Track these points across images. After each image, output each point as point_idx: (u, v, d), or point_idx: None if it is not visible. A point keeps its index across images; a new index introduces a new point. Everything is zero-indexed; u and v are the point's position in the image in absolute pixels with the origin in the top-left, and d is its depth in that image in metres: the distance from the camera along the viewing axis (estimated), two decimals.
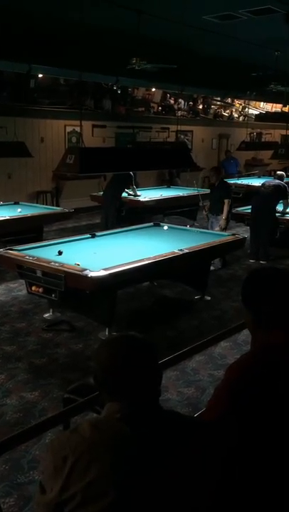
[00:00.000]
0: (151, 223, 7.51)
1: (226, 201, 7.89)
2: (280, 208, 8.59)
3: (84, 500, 1.23)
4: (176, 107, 15.95)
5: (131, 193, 10.19)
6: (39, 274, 4.98)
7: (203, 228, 7.94)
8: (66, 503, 1.25)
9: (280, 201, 8.52)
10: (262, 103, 19.59)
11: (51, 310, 5.89)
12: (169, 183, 13.66)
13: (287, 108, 18.28)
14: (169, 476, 1.26)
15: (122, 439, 1.28)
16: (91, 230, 7.62)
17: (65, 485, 1.25)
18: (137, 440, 1.28)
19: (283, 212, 8.56)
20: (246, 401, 1.56)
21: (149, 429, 1.31)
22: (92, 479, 1.23)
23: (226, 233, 7.02)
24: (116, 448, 1.27)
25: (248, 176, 15.41)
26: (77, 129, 12.31)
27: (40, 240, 7.33)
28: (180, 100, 16.06)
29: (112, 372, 1.37)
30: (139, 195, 10.13)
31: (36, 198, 12.26)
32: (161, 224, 7.46)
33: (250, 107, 18.91)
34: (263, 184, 8.77)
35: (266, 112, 19.95)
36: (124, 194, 9.90)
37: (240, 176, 14.78)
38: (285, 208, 8.56)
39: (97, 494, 1.22)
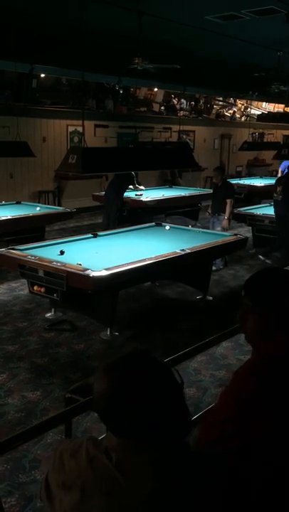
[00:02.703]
0: (153, 223, 7.51)
1: (229, 201, 7.89)
2: None
3: None
4: (178, 106, 15.95)
5: (139, 193, 10.21)
6: (41, 273, 4.98)
7: (204, 228, 7.94)
8: None
9: None
10: (264, 103, 19.59)
11: (53, 310, 5.89)
12: (170, 183, 13.66)
13: None
14: None
15: (115, 489, 1.15)
16: (93, 230, 7.63)
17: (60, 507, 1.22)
18: (133, 492, 1.14)
19: None
20: (254, 404, 1.55)
21: (149, 476, 1.14)
22: None
23: (228, 233, 7.01)
24: (110, 497, 1.16)
25: None
26: (79, 128, 12.32)
27: (42, 239, 7.34)
28: (182, 100, 16.06)
29: (107, 403, 1.18)
30: (143, 190, 10.17)
31: (38, 197, 12.28)
32: (163, 224, 7.46)
33: (252, 107, 18.90)
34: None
35: (268, 112, 19.94)
36: (128, 194, 9.93)
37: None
38: None
39: None
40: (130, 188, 10.06)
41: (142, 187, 10.35)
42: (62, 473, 1.23)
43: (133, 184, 9.95)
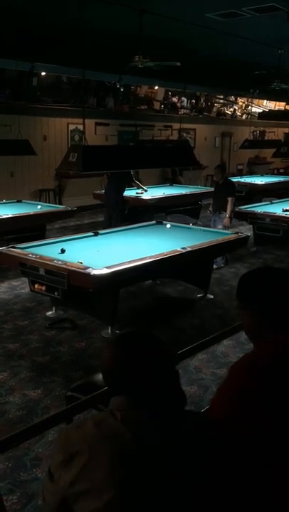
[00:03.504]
0: (154, 221, 7.51)
1: (230, 199, 7.89)
2: None
3: (86, 496, 1.26)
4: (178, 105, 15.93)
5: (139, 191, 10.20)
6: (42, 272, 4.98)
7: (205, 226, 7.94)
8: (71, 497, 1.29)
9: None
10: (265, 101, 19.56)
11: (54, 308, 5.89)
12: (171, 182, 13.65)
13: None
14: (176, 473, 1.27)
15: (121, 442, 1.28)
16: (94, 228, 7.63)
17: (72, 481, 1.29)
18: (137, 443, 1.28)
19: None
20: (249, 400, 1.56)
21: (152, 429, 1.29)
22: (93, 479, 1.26)
23: (229, 231, 7.01)
24: (115, 451, 1.27)
25: None
26: (80, 127, 12.30)
27: (43, 238, 7.34)
28: (183, 98, 16.04)
29: (114, 366, 1.39)
30: (146, 190, 10.17)
31: (39, 196, 12.28)
32: (164, 222, 7.45)
33: (253, 105, 18.87)
34: None
35: (269, 110, 19.92)
36: (130, 193, 9.92)
37: None
38: None
39: (98, 492, 1.24)
40: (134, 186, 10.03)
41: (141, 185, 10.33)
42: (66, 448, 1.32)
43: (132, 181, 9.90)
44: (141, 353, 1.39)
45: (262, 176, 14.47)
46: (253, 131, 17.98)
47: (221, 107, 18.38)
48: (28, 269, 5.18)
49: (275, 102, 19.65)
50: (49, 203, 11.46)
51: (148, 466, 1.26)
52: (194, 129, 16.47)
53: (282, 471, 1.54)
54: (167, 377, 1.40)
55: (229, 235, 6.64)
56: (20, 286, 6.81)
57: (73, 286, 4.73)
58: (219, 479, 1.34)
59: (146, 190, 10.34)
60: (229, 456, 1.40)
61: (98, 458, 1.27)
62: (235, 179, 11.48)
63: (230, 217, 7.92)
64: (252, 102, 18.78)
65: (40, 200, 11.41)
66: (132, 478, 1.25)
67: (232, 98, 18.40)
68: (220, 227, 7.74)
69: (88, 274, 4.57)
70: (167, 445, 1.29)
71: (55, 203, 11.83)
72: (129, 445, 1.27)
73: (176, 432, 1.32)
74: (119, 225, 8.02)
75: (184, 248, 5.60)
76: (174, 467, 1.28)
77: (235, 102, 18.81)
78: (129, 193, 10.23)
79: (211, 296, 6.58)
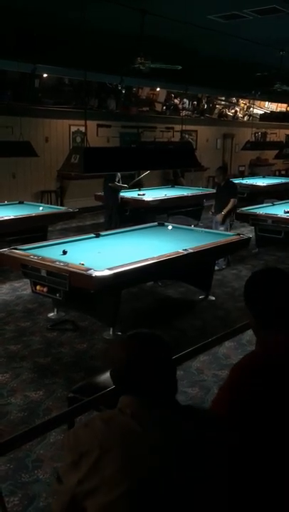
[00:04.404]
0: (156, 223, 7.51)
1: (232, 201, 7.90)
2: None
3: (97, 491, 1.29)
4: (180, 106, 15.94)
5: (141, 193, 10.17)
6: (44, 273, 4.99)
7: (207, 228, 7.94)
8: (81, 495, 1.32)
9: None
10: (266, 103, 19.56)
11: (55, 309, 5.90)
12: (173, 183, 13.66)
13: None
14: (180, 473, 1.30)
15: (131, 437, 1.32)
16: (95, 230, 7.63)
17: (81, 479, 1.31)
18: (147, 438, 1.32)
19: None
20: (249, 400, 1.56)
21: (160, 427, 1.34)
22: (104, 474, 1.28)
23: (231, 233, 7.00)
24: (126, 446, 1.31)
25: None
26: (82, 128, 12.28)
27: (45, 239, 7.35)
28: (184, 100, 16.05)
29: (125, 367, 1.43)
30: (127, 187, 10.07)
31: (41, 197, 12.29)
32: (166, 224, 7.45)
33: (254, 106, 18.87)
34: None
35: (271, 111, 19.92)
36: (131, 194, 9.89)
37: None
38: None
39: (110, 486, 1.28)
40: (122, 187, 9.85)
41: (121, 184, 10.05)
42: (74, 449, 1.35)
43: (115, 182, 9.69)
44: (148, 353, 1.44)
45: (264, 177, 14.45)
46: (255, 133, 17.98)
47: (223, 108, 18.38)
48: (29, 270, 5.18)
49: (276, 104, 19.64)
50: (51, 204, 11.46)
51: (155, 463, 1.30)
52: (196, 131, 16.47)
53: (283, 471, 1.54)
54: (171, 375, 1.45)
55: (231, 236, 6.63)
56: (22, 287, 6.82)
57: (75, 287, 4.73)
58: (220, 478, 1.37)
59: (143, 194, 10.29)
60: (230, 456, 1.43)
61: (109, 454, 1.29)
62: (237, 181, 11.46)
63: (225, 215, 7.92)
64: (253, 104, 18.79)
65: (41, 202, 11.43)
66: (143, 472, 1.28)
67: (234, 99, 18.40)
68: (222, 228, 7.74)
69: (90, 276, 4.57)
70: (171, 445, 1.33)
71: (57, 205, 11.84)
72: (140, 440, 1.31)
73: (179, 431, 1.36)
74: (120, 226, 8.02)
75: (185, 250, 5.60)
76: (178, 466, 1.31)
77: (237, 104, 18.81)
78: (131, 194, 10.24)
79: (213, 298, 6.58)
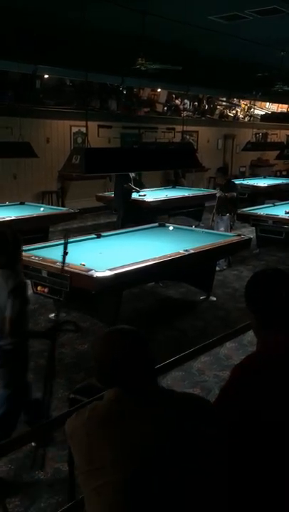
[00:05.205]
0: (157, 224, 7.51)
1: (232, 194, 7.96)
2: None
3: (92, 473, 1.39)
4: (181, 107, 15.94)
5: (142, 193, 10.20)
6: (44, 274, 4.98)
7: (208, 229, 7.93)
8: (80, 477, 1.45)
9: None
10: (267, 103, 19.56)
11: (57, 310, 5.88)
12: (174, 184, 13.67)
13: None
14: (168, 458, 1.37)
15: (117, 423, 1.40)
16: (96, 231, 7.63)
17: (82, 462, 1.43)
18: (133, 424, 1.39)
19: None
20: (249, 400, 1.56)
21: (143, 406, 1.42)
22: (96, 455, 1.39)
23: (232, 234, 7.00)
24: (111, 432, 1.39)
25: None
26: (83, 129, 12.31)
27: (46, 240, 7.35)
28: (185, 101, 16.05)
29: (106, 363, 1.52)
30: (139, 191, 10.15)
31: (42, 198, 12.29)
32: (167, 224, 7.45)
33: (255, 107, 18.88)
34: None
35: (272, 112, 19.92)
36: (135, 195, 9.92)
37: None
38: None
39: (100, 471, 1.37)
40: (135, 190, 9.99)
41: (142, 191, 10.26)
42: (69, 437, 1.48)
43: (129, 182, 9.79)
44: (126, 348, 1.52)
45: (264, 178, 14.46)
46: (256, 134, 17.98)
47: (224, 109, 18.39)
48: (30, 271, 5.17)
49: (277, 104, 19.65)
50: (52, 205, 11.48)
51: (143, 447, 1.37)
52: (197, 131, 16.48)
53: (283, 471, 1.54)
54: (150, 363, 1.54)
55: (232, 237, 6.63)
56: None
57: (76, 288, 4.72)
58: (205, 461, 1.43)
59: (144, 195, 10.32)
60: (218, 443, 1.48)
61: (95, 434, 1.40)
62: (237, 181, 11.46)
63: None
64: (254, 104, 18.79)
65: (43, 203, 11.44)
66: (133, 458, 1.35)
67: (234, 100, 18.40)
68: (222, 229, 7.74)
69: (91, 276, 4.57)
70: (158, 430, 1.40)
71: (58, 205, 11.85)
72: (127, 426, 1.39)
73: (161, 419, 1.42)
74: (120, 227, 8.03)
75: (186, 250, 5.60)
76: (167, 451, 1.38)
77: (238, 104, 18.81)
78: (132, 194, 10.24)
79: (214, 299, 6.57)
